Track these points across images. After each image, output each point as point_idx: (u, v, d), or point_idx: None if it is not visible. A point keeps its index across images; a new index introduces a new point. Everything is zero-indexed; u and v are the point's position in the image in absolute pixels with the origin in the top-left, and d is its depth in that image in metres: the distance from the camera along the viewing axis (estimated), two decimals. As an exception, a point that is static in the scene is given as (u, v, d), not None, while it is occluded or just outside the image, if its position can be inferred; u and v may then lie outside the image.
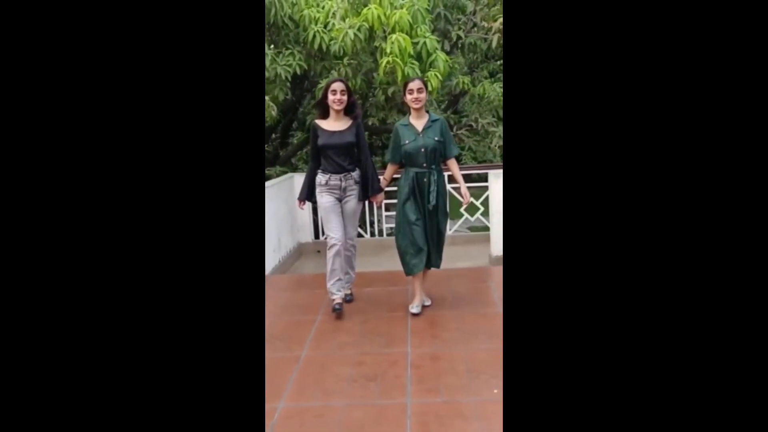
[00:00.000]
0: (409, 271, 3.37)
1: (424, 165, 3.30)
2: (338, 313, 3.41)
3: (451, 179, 3.48)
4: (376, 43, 5.42)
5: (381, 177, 3.65)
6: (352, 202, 3.49)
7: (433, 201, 3.31)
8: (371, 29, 5.24)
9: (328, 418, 2.30)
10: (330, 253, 3.41)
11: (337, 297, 3.46)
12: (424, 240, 3.31)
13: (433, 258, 3.44)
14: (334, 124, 3.42)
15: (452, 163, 3.47)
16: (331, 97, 3.34)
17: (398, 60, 4.98)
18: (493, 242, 5.40)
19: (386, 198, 3.88)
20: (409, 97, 3.31)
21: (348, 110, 3.42)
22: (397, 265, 3.56)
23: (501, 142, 6.57)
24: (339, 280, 3.47)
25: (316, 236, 6.59)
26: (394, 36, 5.00)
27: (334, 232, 3.40)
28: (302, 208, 3.85)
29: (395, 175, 3.64)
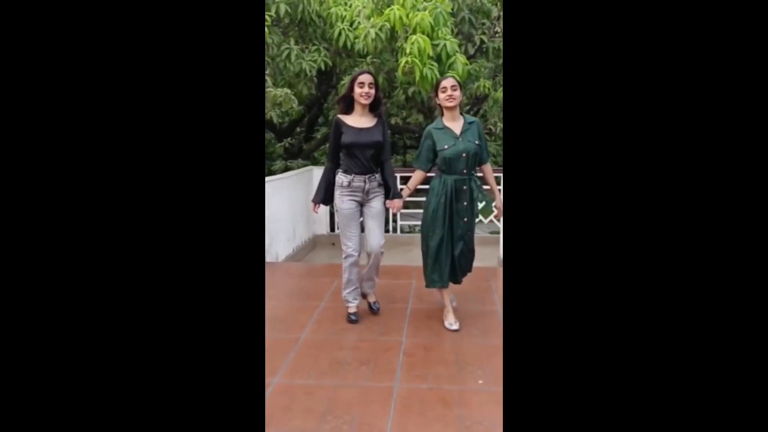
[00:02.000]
0: (429, 284, 3.21)
1: (465, 171, 3.03)
2: (354, 323, 3.27)
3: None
4: (398, 44, 5.53)
5: (399, 177, 3.49)
6: (377, 204, 3.22)
7: (476, 212, 3.11)
8: (393, 29, 5.35)
9: (318, 395, 2.43)
10: (345, 264, 3.23)
11: (352, 305, 3.31)
12: (449, 258, 3.10)
13: (459, 274, 3.21)
14: (360, 120, 3.12)
15: (487, 169, 3.19)
16: (358, 90, 3.05)
17: (417, 60, 5.08)
18: (502, 244, 5.47)
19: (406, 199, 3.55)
20: (442, 96, 3.00)
21: (373, 106, 3.15)
22: (403, 260, 3.64)
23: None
24: (355, 288, 3.31)
25: (332, 229, 6.75)
26: (414, 37, 5.10)
27: (351, 241, 3.18)
28: (316, 212, 3.40)
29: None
